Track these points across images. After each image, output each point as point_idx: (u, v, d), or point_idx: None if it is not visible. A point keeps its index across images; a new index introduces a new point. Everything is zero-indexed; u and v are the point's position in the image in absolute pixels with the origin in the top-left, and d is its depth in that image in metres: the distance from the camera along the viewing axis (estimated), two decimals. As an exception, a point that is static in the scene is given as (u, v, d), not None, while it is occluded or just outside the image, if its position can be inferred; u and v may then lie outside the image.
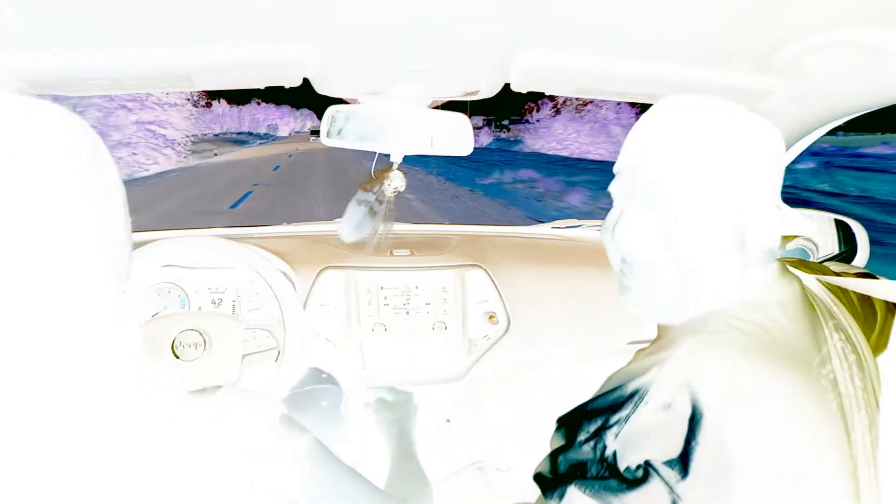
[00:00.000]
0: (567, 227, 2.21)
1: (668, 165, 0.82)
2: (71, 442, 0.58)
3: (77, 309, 0.61)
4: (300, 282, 1.67)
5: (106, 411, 0.60)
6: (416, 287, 1.71)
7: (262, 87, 1.31)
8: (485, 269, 1.76)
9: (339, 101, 1.43)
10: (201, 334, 1.43)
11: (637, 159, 0.86)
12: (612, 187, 0.90)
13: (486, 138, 67.77)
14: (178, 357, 1.42)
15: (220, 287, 1.66)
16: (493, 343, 1.72)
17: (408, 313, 1.69)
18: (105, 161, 0.66)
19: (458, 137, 1.43)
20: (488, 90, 1.34)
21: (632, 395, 0.74)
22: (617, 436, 0.73)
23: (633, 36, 1.10)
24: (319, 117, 1.47)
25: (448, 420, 1.70)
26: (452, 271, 1.74)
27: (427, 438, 1.68)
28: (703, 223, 0.80)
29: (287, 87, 1.30)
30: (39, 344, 0.59)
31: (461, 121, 1.41)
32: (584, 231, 2.19)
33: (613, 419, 0.74)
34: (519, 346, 1.71)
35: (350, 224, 1.60)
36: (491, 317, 1.73)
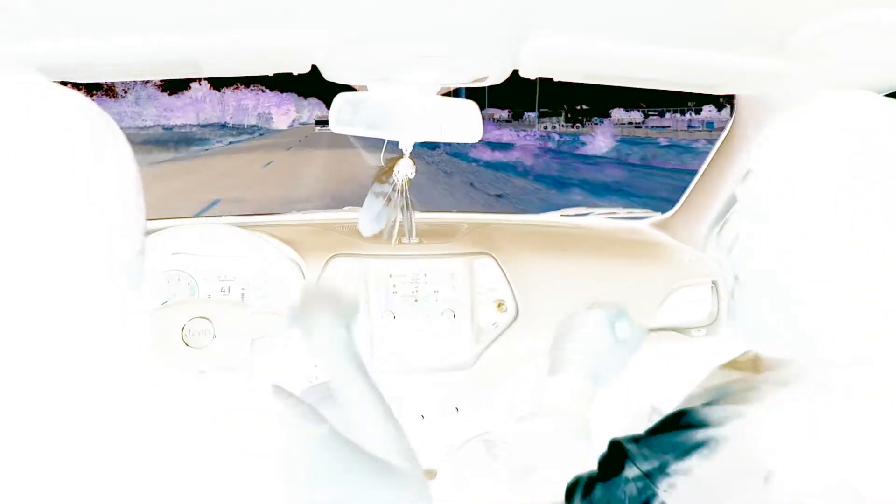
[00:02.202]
0: (576, 215, 2.20)
1: None
2: (68, 440, 0.58)
3: (82, 301, 0.61)
4: (309, 269, 1.67)
5: (104, 410, 0.60)
6: (425, 275, 1.71)
7: (271, 73, 1.31)
8: (493, 257, 1.76)
9: (348, 88, 1.43)
10: (210, 321, 1.44)
11: None
12: None
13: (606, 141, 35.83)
14: (187, 344, 1.43)
15: (229, 275, 1.66)
16: (501, 331, 1.72)
17: (416, 301, 1.69)
18: (122, 151, 0.65)
19: (467, 125, 1.43)
20: (497, 76, 1.34)
21: (699, 445, 0.64)
22: (672, 488, 0.64)
23: (646, 19, 1.09)
24: (328, 107, 1.46)
25: (457, 408, 1.70)
26: (461, 259, 1.74)
27: (436, 426, 1.69)
28: None
29: (295, 73, 1.30)
30: (40, 337, 0.59)
31: (470, 108, 1.41)
32: (594, 219, 2.18)
33: (672, 468, 0.65)
34: (528, 333, 1.71)
35: (369, 216, 1.62)
36: (499, 304, 1.73)
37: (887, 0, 0.94)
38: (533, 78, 1.35)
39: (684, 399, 0.75)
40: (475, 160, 27.74)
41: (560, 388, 0.99)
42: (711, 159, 1.82)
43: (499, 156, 28.75)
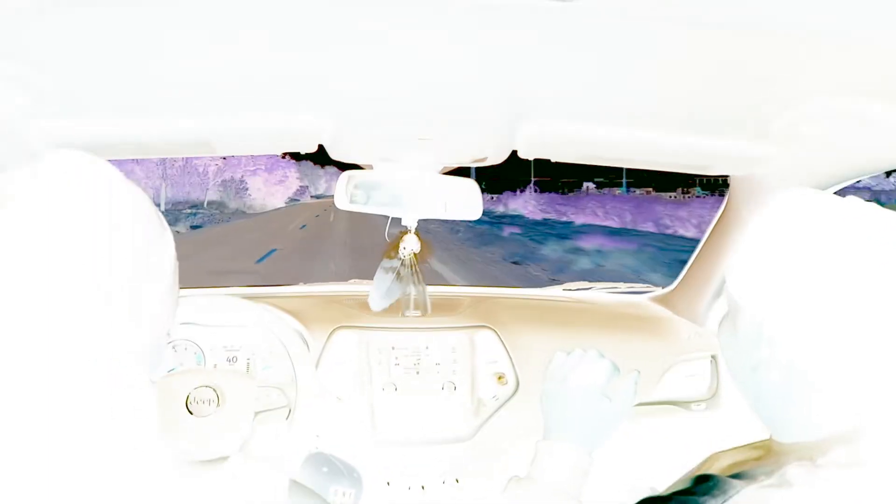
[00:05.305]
0: (578, 290, 2.23)
1: None
2: None
3: (98, 371, 0.63)
4: (314, 341, 1.70)
5: (108, 484, 0.60)
6: (427, 347, 1.74)
7: (280, 152, 1.38)
8: (494, 331, 1.78)
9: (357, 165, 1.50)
10: (215, 391, 1.46)
11: None
12: None
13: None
14: (191, 413, 1.45)
15: (236, 345, 1.70)
16: (501, 403, 1.73)
17: (418, 373, 1.71)
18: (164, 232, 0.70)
19: (468, 202, 1.48)
20: (496, 157, 1.40)
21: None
22: None
23: (636, 108, 1.15)
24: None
25: (457, 480, 1.70)
26: (462, 332, 1.77)
27: (436, 497, 1.69)
28: None
29: (303, 153, 1.36)
30: (50, 404, 0.61)
31: (471, 186, 1.46)
32: (595, 294, 2.21)
33: None
34: (528, 406, 1.71)
35: (379, 292, 1.66)
36: (500, 377, 1.74)
37: (857, 92, 0.99)
38: (530, 158, 1.41)
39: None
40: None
41: (551, 452, 1.00)
42: (709, 236, 1.85)
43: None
